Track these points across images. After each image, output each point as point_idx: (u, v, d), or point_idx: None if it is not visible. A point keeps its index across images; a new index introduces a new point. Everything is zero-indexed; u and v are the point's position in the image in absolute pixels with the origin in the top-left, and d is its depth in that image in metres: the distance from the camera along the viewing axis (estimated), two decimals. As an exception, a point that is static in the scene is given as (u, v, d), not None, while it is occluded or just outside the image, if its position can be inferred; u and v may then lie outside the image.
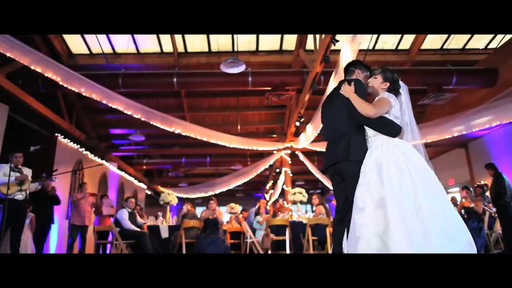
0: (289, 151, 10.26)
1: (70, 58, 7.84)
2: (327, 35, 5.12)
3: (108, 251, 6.64)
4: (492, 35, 7.82)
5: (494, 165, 6.35)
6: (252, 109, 10.23)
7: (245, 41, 7.72)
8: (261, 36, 7.71)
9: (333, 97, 2.73)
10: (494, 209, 6.42)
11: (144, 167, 13.38)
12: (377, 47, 8.00)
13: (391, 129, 2.42)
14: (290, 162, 10.51)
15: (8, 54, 5.13)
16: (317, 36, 5.87)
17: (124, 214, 6.17)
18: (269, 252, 5.87)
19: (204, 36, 7.65)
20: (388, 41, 7.93)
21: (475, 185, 7.44)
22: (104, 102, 6.37)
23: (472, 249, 2.12)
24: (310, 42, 6.99)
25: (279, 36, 7.73)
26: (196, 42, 7.85)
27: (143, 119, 6.94)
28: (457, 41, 8.00)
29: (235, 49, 7.61)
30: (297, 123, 8.00)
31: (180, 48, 7.94)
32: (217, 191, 11.74)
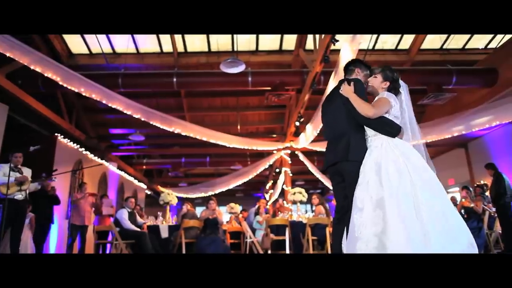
0: (289, 151, 10.26)
1: (70, 58, 7.84)
2: (326, 35, 5.12)
3: (108, 251, 6.64)
4: (492, 35, 7.82)
5: (494, 165, 6.36)
6: (252, 109, 10.23)
7: (245, 41, 7.71)
8: (261, 36, 7.71)
9: (333, 97, 2.73)
10: (494, 209, 6.43)
11: (144, 167, 13.39)
12: (377, 47, 8.00)
13: (391, 129, 2.41)
14: (290, 162, 10.51)
15: (8, 54, 5.13)
16: (317, 36, 5.87)
17: (124, 214, 6.17)
18: (269, 252, 5.87)
19: (203, 36, 7.65)
20: (387, 41, 7.93)
21: (475, 185, 7.46)
22: (103, 102, 6.37)
23: (473, 250, 2.10)
24: (310, 42, 6.99)
25: (279, 36, 7.72)
26: (195, 42, 7.85)
27: (143, 119, 6.94)
28: (456, 41, 8.00)
29: (235, 49, 7.60)
30: (297, 123, 8.00)
31: (180, 48, 7.94)
32: (217, 191, 11.73)
